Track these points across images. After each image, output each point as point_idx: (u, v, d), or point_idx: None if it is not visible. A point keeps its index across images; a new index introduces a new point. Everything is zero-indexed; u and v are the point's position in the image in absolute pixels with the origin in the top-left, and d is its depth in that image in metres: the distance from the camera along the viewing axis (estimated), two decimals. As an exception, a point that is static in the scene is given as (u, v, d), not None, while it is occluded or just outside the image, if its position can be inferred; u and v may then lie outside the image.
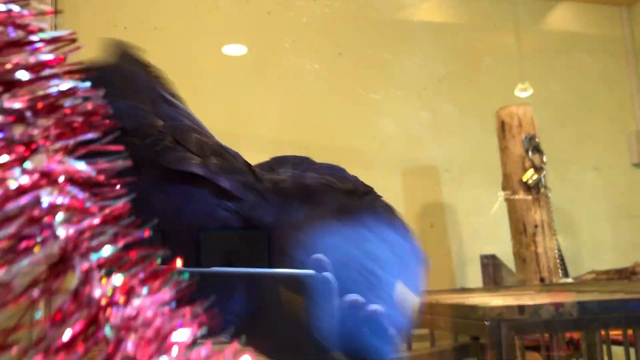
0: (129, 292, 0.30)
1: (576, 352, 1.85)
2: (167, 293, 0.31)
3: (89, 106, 0.32)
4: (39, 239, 0.29)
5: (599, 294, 1.26)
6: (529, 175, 1.95)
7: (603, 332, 1.68)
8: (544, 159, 1.97)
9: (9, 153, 0.29)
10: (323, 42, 2.42)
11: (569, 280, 1.98)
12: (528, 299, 1.07)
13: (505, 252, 2.21)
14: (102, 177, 0.32)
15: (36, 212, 0.29)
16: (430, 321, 1.10)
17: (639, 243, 2.47)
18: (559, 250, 2.00)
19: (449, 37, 2.53)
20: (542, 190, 1.97)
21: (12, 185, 0.29)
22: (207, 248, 0.62)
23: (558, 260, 1.96)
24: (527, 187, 1.96)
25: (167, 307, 0.31)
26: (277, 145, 2.22)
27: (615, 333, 1.61)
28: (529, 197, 2.02)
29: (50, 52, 0.31)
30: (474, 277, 2.38)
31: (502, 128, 2.02)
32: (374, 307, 0.62)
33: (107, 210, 0.31)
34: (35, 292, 0.28)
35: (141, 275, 0.31)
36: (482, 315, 0.94)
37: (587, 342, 1.76)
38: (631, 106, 2.69)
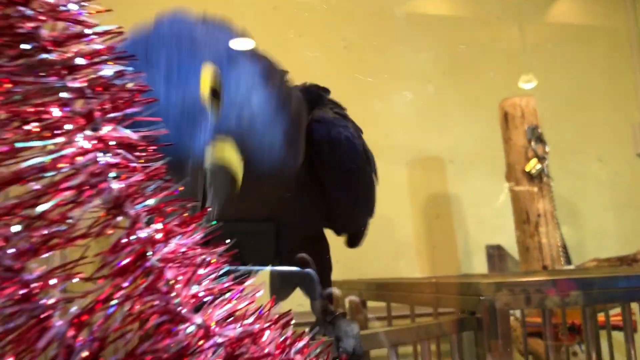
0: (168, 234, 0.39)
1: (579, 338, 1.92)
2: (197, 235, 0.40)
3: (133, 85, 0.40)
4: (97, 190, 0.37)
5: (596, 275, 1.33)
6: (532, 165, 2.03)
7: (603, 318, 1.76)
8: (547, 149, 2.04)
9: (72, 123, 0.38)
10: (329, 35, 2.50)
11: (572, 267, 2.06)
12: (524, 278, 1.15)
13: (511, 242, 2.28)
14: (144, 143, 0.40)
15: (94, 169, 0.37)
16: (432, 299, 1.19)
17: (643, 232, 2.54)
18: (562, 238, 2.07)
19: (453, 29, 2.60)
20: (545, 179, 2.04)
21: (76, 146, 0.37)
22: None
23: (560, 249, 2.03)
24: (530, 177, 2.04)
25: (197, 246, 0.40)
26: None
27: (615, 319, 1.68)
28: (535, 189, 2.09)
29: (102, 42, 0.40)
30: (480, 267, 2.45)
31: (505, 119, 2.09)
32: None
33: (149, 169, 0.40)
34: (96, 230, 0.37)
35: (177, 221, 0.40)
36: (477, 290, 1.03)
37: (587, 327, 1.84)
38: (635, 97, 2.75)
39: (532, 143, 2.03)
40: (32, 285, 0.35)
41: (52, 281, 0.36)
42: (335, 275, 1.42)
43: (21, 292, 0.35)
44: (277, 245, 0.84)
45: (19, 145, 0.35)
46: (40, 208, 0.36)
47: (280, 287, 1.13)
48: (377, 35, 2.53)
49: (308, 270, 0.76)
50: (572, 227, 2.55)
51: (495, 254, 2.40)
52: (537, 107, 2.13)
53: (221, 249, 0.41)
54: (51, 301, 0.35)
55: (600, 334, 1.78)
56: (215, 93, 0.59)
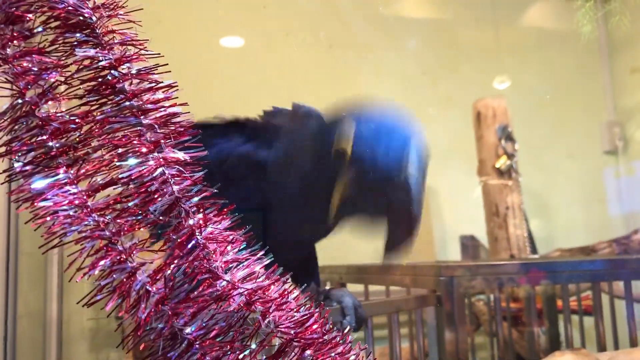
0: (207, 221, 0.61)
1: (541, 322, 2.16)
2: (227, 221, 0.62)
3: (184, 123, 0.62)
4: (163, 192, 0.59)
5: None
6: (502, 162, 2.27)
7: (560, 303, 2.00)
8: (516, 146, 2.28)
9: (146, 147, 0.60)
10: (315, 35, 2.71)
11: (536, 256, 2.30)
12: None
13: (483, 233, 2.51)
14: (190, 160, 0.62)
15: (161, 179, 0.59)
16: (402, 280, 1.42)
17: (608, 225, 2.80)
18: (528, 230, 2.31)
19: (432, 31, 2.83)
20: (514, 175, 2.28)
21: (150, 164, 0.59)
22: None
23: (527, 239, 2.27)
24: (500, 173, 2.28)
25: (226, 229, 0.62)
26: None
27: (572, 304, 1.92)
28: (509, 182, 2.33)
29: (164, 92, 0.62)
30: (455, 255, 2.69)
31: (478, 118, 2.33)
32: None
33: (194, 177, 0.62)
34: (164, 219, 0.59)
35: (213, 212, 0.62)
36: (438, 272, 1.26)
37: (548, 310, 2.09)
38: (603, 97, 3.01)
39: (502, 141, 2.27)
40: (123, 254, 0.57)
41: (135, 251, 0.58)
42: (319, 261, 1.64)
43: (118, 257, 0.57)
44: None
45: (116, 163, 0.57)
46: (130, 204, 0.58)
47: None
48: (360, 37, 2.74)
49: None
50: (542, 219, 2.80)
51: (469, 244, 2.65)
52: (510, 106, 2.37)
53: (242, 232, 0.63)
54: (135, 263, 0.58)
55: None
56: None
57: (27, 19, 0.61)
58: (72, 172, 0.59)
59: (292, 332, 0.61)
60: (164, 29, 2.53)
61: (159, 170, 0.59)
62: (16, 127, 0.60)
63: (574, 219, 2.89)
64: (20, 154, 0.59)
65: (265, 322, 0.60)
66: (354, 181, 0.89)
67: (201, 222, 0.61)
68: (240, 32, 2.65)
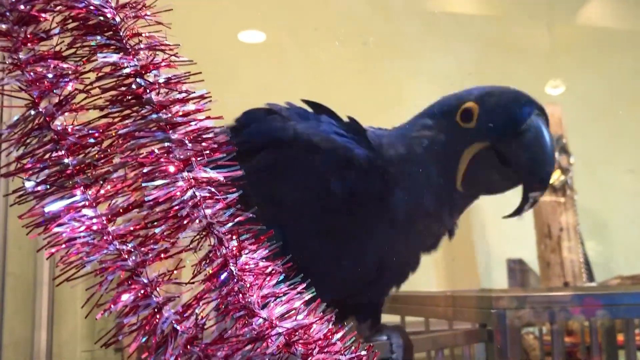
0: (241, 249, 0.60)
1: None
2: (264, 250, 0.61)
3: (218, 138, 0.61)
4: (193, 217, 0.58)
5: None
6: (556, 177, 2.23)
7: (621, 338, 1.96)
8: (571, 160, 2.25)
9: (175, 166, 0.59)
10: (347, 30, 2.70)
11: (594, 284, 2.26)
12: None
13: (533, 256, 2.48)
14: (224, 180, 0.61)
15: (192, 202, 0.58)
16: (445, 312, 1.40)
17: (674, 249, 2.74)
18: (585, 254, 2.28)
19: (479, 29, 2.81)
20: (569, 192, 2.25)
21: (179, 184, 0.58)
22: None
23: (583, 265, 2.23)
24: (553, 189, 2.24)
25: (263, 259, 0.61)
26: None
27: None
28: (563, 200, 2.30)
29: (196, 104, 0.61)
30: (501, 281, 2.66)
31: (529, 127, 2.29)
32: None
33: (227, 200, 0.60)
34: (194, 246, 0.58)
35: (248, 240, 0.60)
36: (489, 303, 1.24)
37: (607, 345, 2.04)
38: (669, 106, 2.95)
39: (556, 154, 2.23)
40: (148, 287, 0.56)
41: (164, 285, 0.57)
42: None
43: (142, 291, 0.56)
44: None
45: (143, 184, 0.56)
46: (156, 230, 0.57)
47: None
48: (399, 33, 2.72)
49: None
50: (600, 242, 2.75)
51: (517, 269, 2.61)
52: (564, 114, 2.33)
53: (282, 261, 0.61)
54: (161, 298, 0.56)
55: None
56: None
57: (43, 19, 0.60)
58: (90, 193, 0.58)
59: (336, 378, 0.59)
60: (177, 19, 2.53)
61: (190, 192, 0.58)
62: (28, 141, 0.59)
63: (636, 242, 2.83)
64: (32, 172, 0.58)
65: (307, 366, 0.58)
66: (486, 137, 0.96)
67: (235, 250, 0.59)
68: (261, 26, 2.64)
